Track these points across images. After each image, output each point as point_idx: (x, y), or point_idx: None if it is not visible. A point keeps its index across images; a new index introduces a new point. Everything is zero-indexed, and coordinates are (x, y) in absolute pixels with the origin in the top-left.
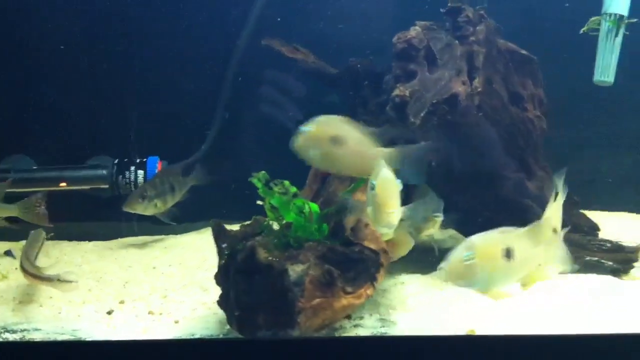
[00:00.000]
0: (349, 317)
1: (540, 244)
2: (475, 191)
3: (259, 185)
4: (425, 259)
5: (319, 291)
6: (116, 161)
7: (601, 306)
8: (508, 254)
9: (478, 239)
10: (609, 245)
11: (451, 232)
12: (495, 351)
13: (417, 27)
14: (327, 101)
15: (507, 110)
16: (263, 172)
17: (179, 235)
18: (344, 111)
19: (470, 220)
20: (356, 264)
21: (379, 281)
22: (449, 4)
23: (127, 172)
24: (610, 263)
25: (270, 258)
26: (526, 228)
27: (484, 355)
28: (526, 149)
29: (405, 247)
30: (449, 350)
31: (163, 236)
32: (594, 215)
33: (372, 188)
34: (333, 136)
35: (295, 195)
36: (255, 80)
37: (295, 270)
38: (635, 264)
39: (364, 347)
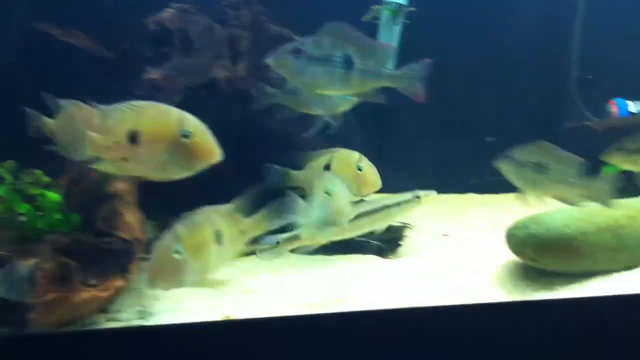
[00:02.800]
0: (104, 310)
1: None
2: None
3: (5, 175)
4: None
5: (53, 286)
6: None
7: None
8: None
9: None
10: None
11: None
12: (247, 333)
13: (171, 9)
14: None
15: None
16: (11, 161)
17: None
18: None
19: None
20: (105, 255)
21: (132, 272)
22: None
23: None
24: (377, 243)
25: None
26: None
27: (236, 338)
28: (300, 136)
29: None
30: (198, 336)
31: None
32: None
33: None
34: None
35: (49, 185)
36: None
37: (25, 265)
38: (401, 243)
39: (95, 339)
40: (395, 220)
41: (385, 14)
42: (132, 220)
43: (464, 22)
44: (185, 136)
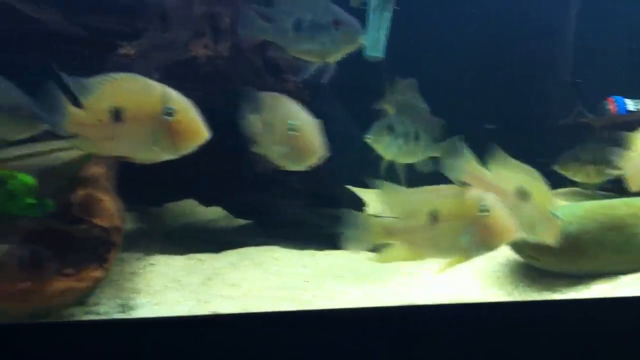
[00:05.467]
0: (81, 303)
1: None
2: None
3: None
4: (191, 238)
5: (25, 274)
6: None
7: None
8: None
9: None
10: None
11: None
12: (232, 329)
13: None
14: None
15: (263, 80)
16: None
17: None
18: None
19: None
20: (81, 243)
21: (110, 262)
22: None
23: None
24: None
25: None
26: None
27: (220, 333)
28: None
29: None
30: (183, 332)
31: None
32: (365, 192)
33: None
34: None
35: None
36: None
37: None
38: None
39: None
40: None
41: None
42: (110, 207)
43: (459, 14)
44: (168, 114)
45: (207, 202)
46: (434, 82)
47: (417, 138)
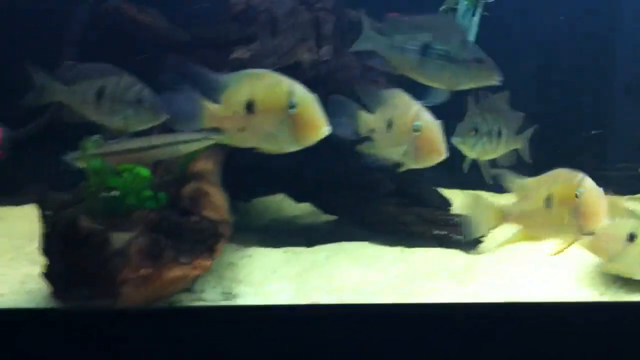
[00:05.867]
0: (188, 289)
1: None
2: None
3: (92, 149)
4: (280, 232)
5: (146, 261)
6: None
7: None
8: None
9: None
10: (457, 219)
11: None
12: (328, 320)
13: None
14: None
15: (360, 83)
16: (98, 135)
17: (15, 207)
18: None
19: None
20: (193, 234)
21: (218, 252)
22: None
23: None
24: (459, 237)
25: (92, 226)
26: None
27: (317, 325)
28: None
29: None
30: (286, 320)
31: None
32: (450, 192)
33: None
34: None
35: None
36: None
37: (119, 239)
38: (483, 239)
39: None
40: None
41: (463, 4)
42: (218, 200)
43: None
44: (291, 106)
45: (298, 198)
46: (521, 85)
47: (499, 134)
